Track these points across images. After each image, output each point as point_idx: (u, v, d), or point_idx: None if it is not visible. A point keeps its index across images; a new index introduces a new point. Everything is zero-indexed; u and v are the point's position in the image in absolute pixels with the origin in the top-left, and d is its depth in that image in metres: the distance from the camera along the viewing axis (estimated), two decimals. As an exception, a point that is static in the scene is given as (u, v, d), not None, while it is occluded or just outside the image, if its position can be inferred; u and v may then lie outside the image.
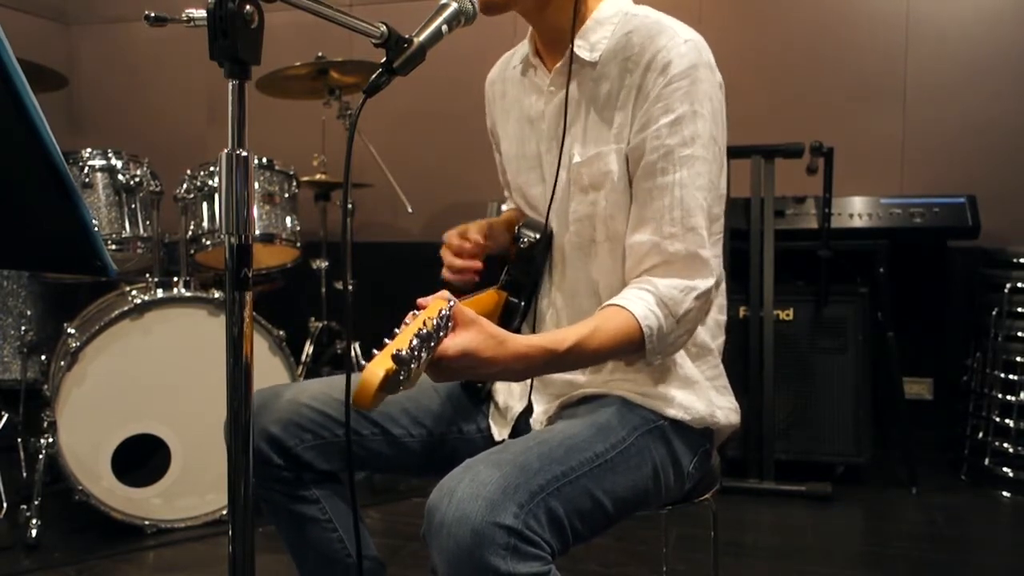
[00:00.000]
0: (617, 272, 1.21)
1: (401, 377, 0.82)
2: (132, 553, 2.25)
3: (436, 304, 0.92)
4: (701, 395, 1.23)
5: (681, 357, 1.23)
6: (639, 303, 1.08)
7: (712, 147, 1.14)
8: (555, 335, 1.04)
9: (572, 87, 1.22)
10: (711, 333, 1.28)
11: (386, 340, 0.86)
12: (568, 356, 1.03)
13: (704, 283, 1.13)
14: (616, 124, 1.18)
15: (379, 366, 0.81)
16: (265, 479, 1.23)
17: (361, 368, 0.82)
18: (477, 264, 1.31)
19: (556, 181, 1.23)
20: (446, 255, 1.32)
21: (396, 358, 0.81)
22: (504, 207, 1.58)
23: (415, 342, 0.83)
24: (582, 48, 1.20)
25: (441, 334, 0.90)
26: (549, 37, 1.25)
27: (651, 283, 1.11)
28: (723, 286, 1.30)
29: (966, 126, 3.08)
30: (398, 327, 0.89)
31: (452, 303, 0.93)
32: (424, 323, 0.86)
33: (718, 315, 1.30)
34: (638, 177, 1.16)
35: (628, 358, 1.13)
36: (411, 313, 0.93)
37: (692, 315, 1.12)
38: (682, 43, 1.13)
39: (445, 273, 1.32)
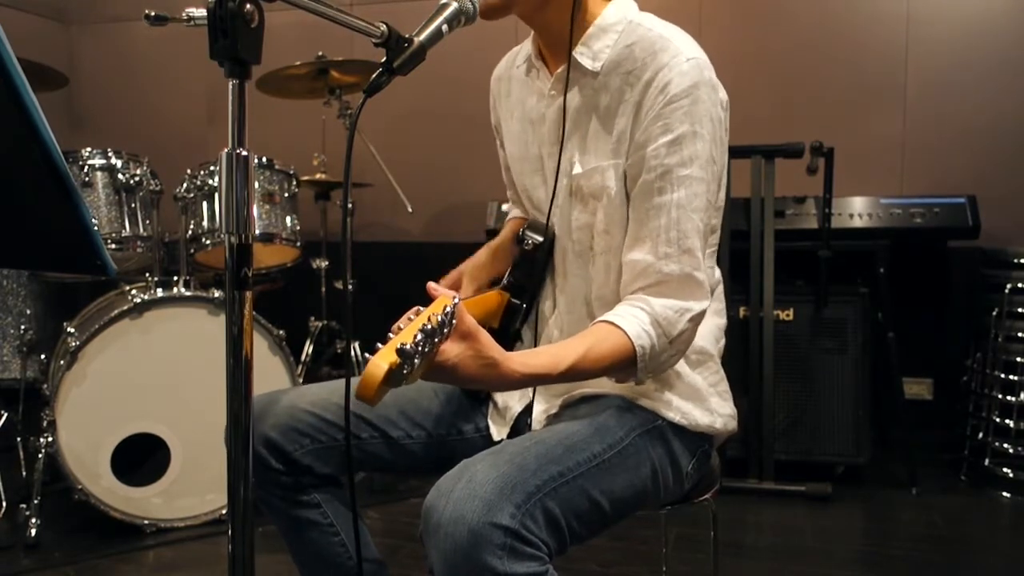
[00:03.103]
0: (610, 284, 1.21)
1: (404, 371, 0.82)
2: (132, 553, 2.24)
3: (441, 300, 0.93)
4: (702, 403, 1.23)
5: (681, 365, 1.22)
6: (633, 322, 1.08)
7: (710, 167, 1.13)
8: (551, 358, 1.03)
9: (573, 94, 1.21)
10: (712, 338, 1.28)
11: (390, 335, 0.86)
12: (561, 378, 1.04)
13: (698, 305, 1.13)
14: (614, 138, 1.18)
15: (383, 359, 0.81)
16: (265, 484, 1.23)
17: (362, 366, 0.83)
18: None
19: (555, 188, 1.23)
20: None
21: (400, 352, 0.81)
22: (505, 207, 1.58)
23: (419, 337, 0.84)
24: (584, 56, 1.19)
25: (445, 331, 0.90)
26: (551, 41, 1.24)
27: (646, 302, 1.11)
28: (720, 291, 1.30)
29: (966, 126, 3.08)
30: (401, 322, 0.90)
31: (457, 300, 0.93)
32: (429, 319, 0.86)
33: (718, 320, 1.30)
34: (636, 195, 1.15)
35: (619, 376, 1.13)
36: (415, 308, 0.93)
37: (685, 336, 1.13)
38: (684, 61, 1.12)
39: None
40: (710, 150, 1.13)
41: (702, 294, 1.14)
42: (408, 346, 0.82)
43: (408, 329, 0.86)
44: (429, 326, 0.85)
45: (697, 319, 1.13)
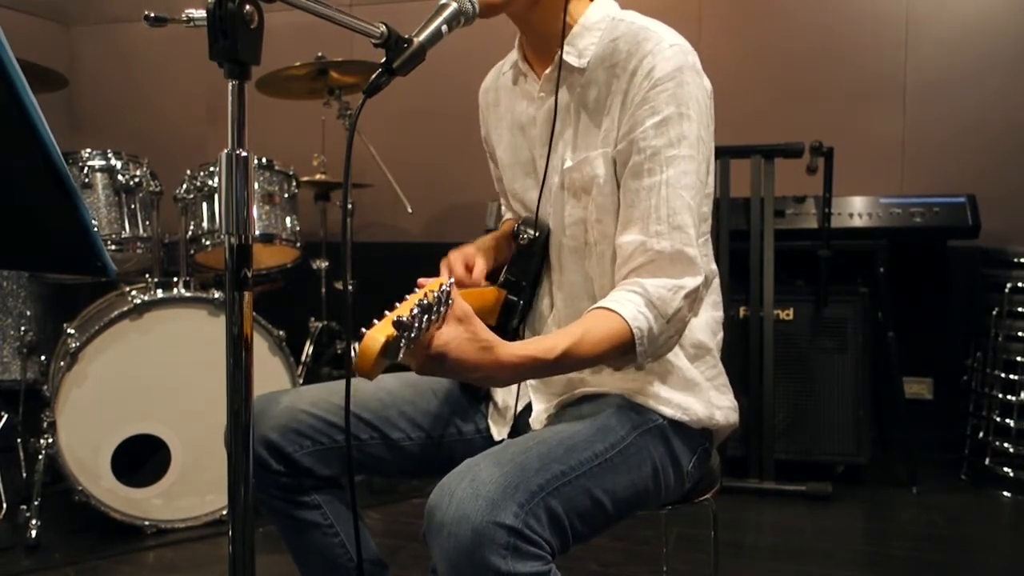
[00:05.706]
0: (608, 274, 1.21)
1: (401, 344, 0.82)
2: (132, 554, 2.25)
3: (437, 280, 0.94)
4: (701, 396, 1.23)
5: (679, 358, 1.22)
6: (628, 305, 1.07)
7: (699, 147, 1.14)
8: (544, 343, 1.02)
9: (561, 93, 1.22)
10: (710, 331, 1.27)
11: (386, 312, 0.86)
12: (557, 364, 1.02)
13: (692, 281, 1.12)
14: (604, 129, 1.19)
15: (380, 332, 0.82)
16: (265, 485, 1.23)
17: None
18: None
19: (544, 182, 1.24)
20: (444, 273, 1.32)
21: (397, 324, 0.81)
22: (503, 212, 1.58)
23: (416, 311, 0.84)
24: (570, 54, 1.21)
25: (442, 308, 0.90)
26: (537, 43, 1.26)
27: (639, 284, 1.10)
28: (716, 283, 1.30)
29: (966, 126, 3.08)
30: (398, 302, 0.90)
31: (452, 281, 0.94)
32: (425, 295, 0.87)
33: (714, 313, 1.30)
34: (625, 178, 1.16)
35: (618, 362, 1.11)
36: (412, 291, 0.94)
37: (681, 314, 1.12)
38: (667, 48, 1.13)
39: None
40: (698, 130, 1.13)
41: (695, 270, 1.12)
42: (405, 318, 0.82)
43: (404, 304, 0.87)
44: (425, 301, 0.86)
45: (691, 295, 1.12)
